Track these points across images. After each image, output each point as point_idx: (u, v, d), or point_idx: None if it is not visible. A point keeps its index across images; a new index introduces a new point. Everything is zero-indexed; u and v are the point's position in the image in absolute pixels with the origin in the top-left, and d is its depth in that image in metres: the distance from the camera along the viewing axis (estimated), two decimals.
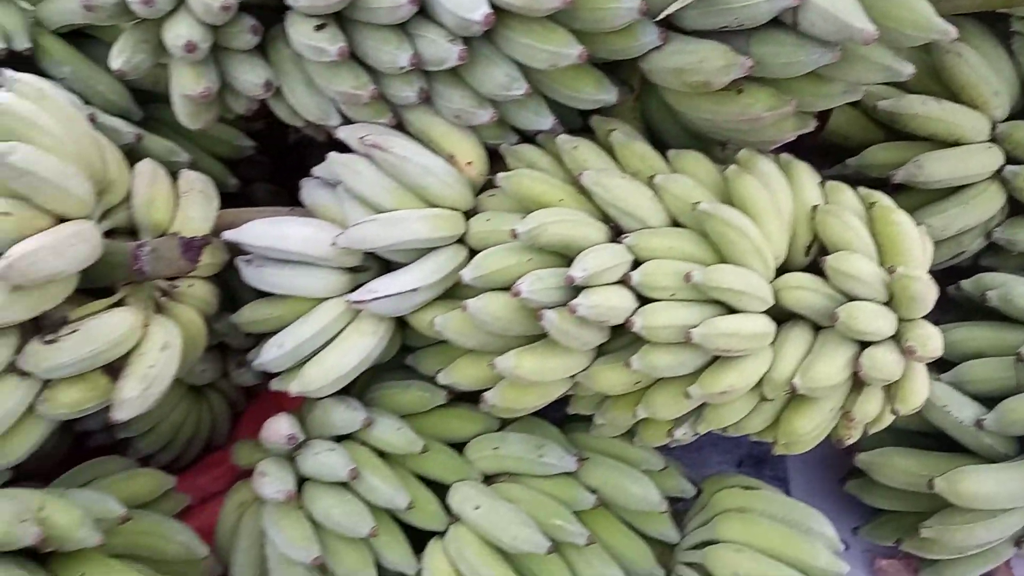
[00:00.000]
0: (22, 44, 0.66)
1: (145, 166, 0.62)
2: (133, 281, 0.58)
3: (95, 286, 0.57)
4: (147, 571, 0.56)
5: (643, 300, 0.54)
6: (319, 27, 0.56)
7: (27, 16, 0.68)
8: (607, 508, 0.62)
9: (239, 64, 0.60)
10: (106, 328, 0.53)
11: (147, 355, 0.55)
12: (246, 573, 0.62)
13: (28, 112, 0.53)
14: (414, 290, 0.57)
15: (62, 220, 0.53)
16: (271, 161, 0.86)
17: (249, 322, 0.63)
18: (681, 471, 0.66)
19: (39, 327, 0.54)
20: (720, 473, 0.69)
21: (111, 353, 0.54)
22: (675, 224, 0.57)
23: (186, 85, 0.59)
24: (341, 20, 0.57)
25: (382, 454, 0.62)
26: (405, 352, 0.66)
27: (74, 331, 0.53)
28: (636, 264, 0.54)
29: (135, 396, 0.54)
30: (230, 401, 0.76)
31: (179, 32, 0.57)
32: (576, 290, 0.53)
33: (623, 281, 0.54)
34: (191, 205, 0.61)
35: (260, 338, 0.65)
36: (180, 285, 0.61)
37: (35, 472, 0.66)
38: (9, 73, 0.57)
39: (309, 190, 0.64)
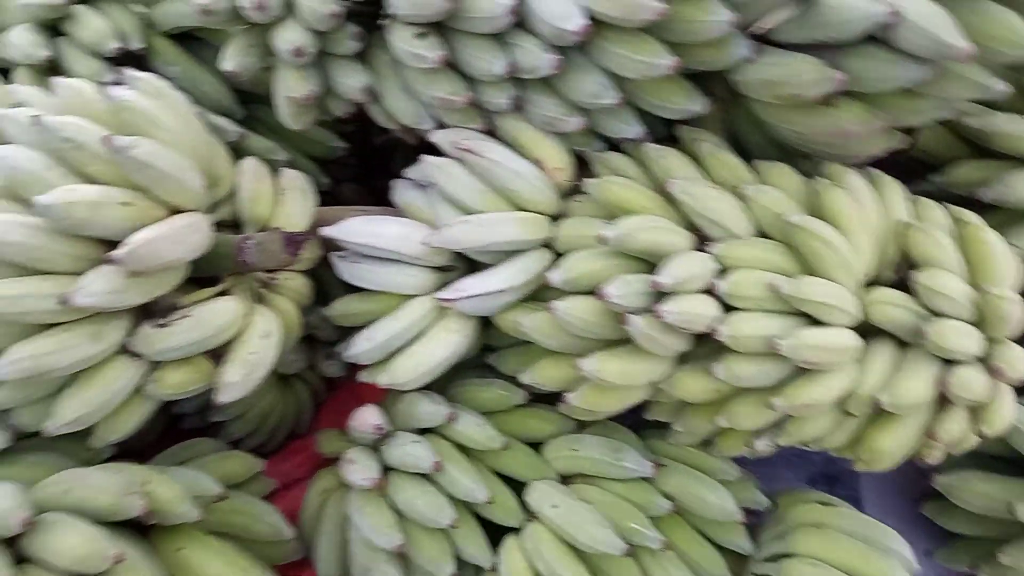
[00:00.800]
0: (137, 44, 0.70)
1: (249, 163, 0.65)
2: (237, 272, 0.61)
3: (200, 275, 0.61)
4: (239, 548, 0.58)
5: (728, 309, 0.55)
6: (420, 35, 0.58)
7: (141, 18, 0.73)
8: (682, 515, 0.62)
9: (341, 69, 0.63)
10: (214, 315, 0.56)
11: (249, 342, 0.58)
12: (329, 556, 0.65)
13: (149, 109, 0.57)
14: (501, 291, 0.59)
15: (176, 212, 0.57)
16: (357, 162, 0.89)
17: (341, 315, 0.65)
18: (755, 483, 0.66)
19: (149, 312, 0.57)
20: (796, 488, 0.68)
21: (217, 339, 0.57)
22: (762, 235, 0.57)
23: (292, 88, 0.62)
24: (441, 28, 0.59)
25: (463, 449, 0.64)
26: (484, 352, 0.68)
27: (184, 317, 0.56)
28: (722, 273, 0.55)
29: (237, 380, 0.57)
30: (313, 391, 0.79)
31: (288, 37, 0.60)
32: (661, 296, 0.54)
33: (709, 289, 0.55)
34: (291, 202, 0.64)
35: (346, 331, 0.68)
36: (279, 278, 0.63)
37: (132, 450, 0.70)
38: (131, 72, 0.61)
39: (401, 191, 0.66)
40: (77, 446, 0.61)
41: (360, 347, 0.63)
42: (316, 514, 0.66)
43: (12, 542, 0.51)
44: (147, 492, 0.55)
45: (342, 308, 0.65)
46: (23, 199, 0.54)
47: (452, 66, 0.60)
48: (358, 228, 0.63)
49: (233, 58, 0.64)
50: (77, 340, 0.54)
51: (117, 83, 0.60)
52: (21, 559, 0.51)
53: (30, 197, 0.53)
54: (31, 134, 0.56)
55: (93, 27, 0.70)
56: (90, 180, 0.55)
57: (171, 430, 0.74)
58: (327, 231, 0.63)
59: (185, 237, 0.55)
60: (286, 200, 0.64)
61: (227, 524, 0.60)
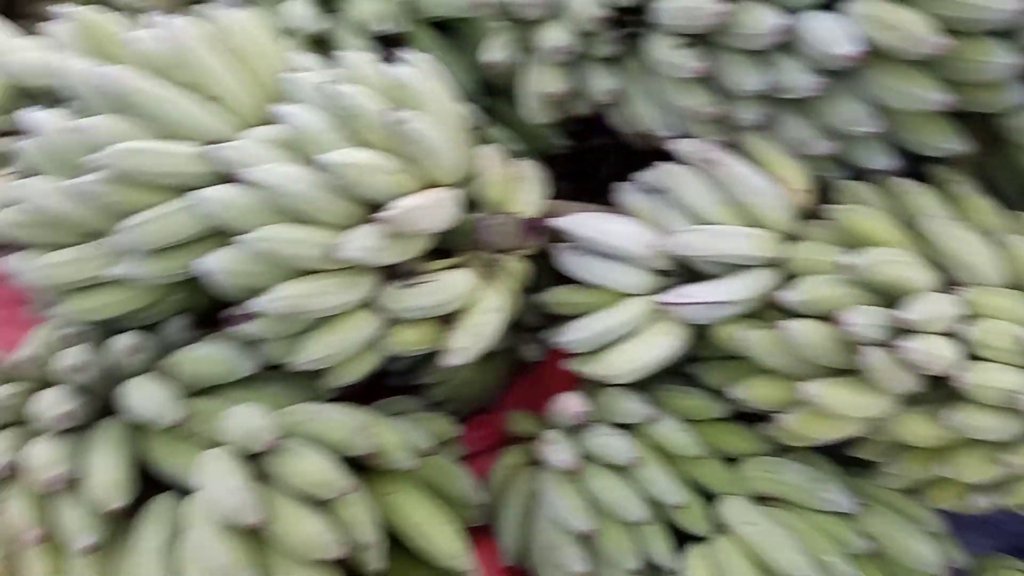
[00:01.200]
0: (403, 28, 0.76)
1: (490, 150, 0.69)
2: (470, 249, 0.65)
3: (436, 247, 0.65)
4: (440, 502, 0.62)
5: (969, 356, 0.53)
6: (682, 45, 0.60)
7: (406, 3, 0.78)
8: (878, 559, 0.60)
9: (594, 71, 0.65)
10: (453, 284, 0.61)
11: (479, 314, 0.61)
12: (512, 528, 0.68)
13: (423, 87, 0.62)
14: (727, 302, 0.59)
15: (431, 185, 0.61)
16: (570, 161, 0.92)
17: (556, 303, 0.68)
18: (955, 541, 0.63)
19: (394, 273, 0.62)
20: (998, 554, 0.65)
21: (451, 306, 0.61)
22: (1015, 287, 0.55)
23: (549, 84, 0.65)
24: (702, 40, 0.60)
25: (659, 450, 0.64)
26: (682, 361, 0.69)
27: (427, 282, 0.60)
28: (969, 319, 0.53)
29: (464, 347, 0.61)
30: (507, 371, 0.82)
31: (554, 36, 0.63)
32: (897, 332, 0.53)
33: (950, 333, 0.53)
34: (526, 190, 0.67)
35: (551, 319, 0.70)
36: (504, 259, 0.67)
37: (343, 397, 0.76)
38: (405, 53, 0.67)
39: (627, 193, 0.68)
40: (306, 384, 0.66)
41: (574, 335, 0.65)
42: (502, 487, 0.70)
43: (255, 458, 0.58)
44: (372, 434, 0.59)
45: (557, 297, 0.68)
46: (303, 154, 0.60)
47: (706, 78, 0.61)
48: (587, 222, 0.65)
49: (495, 50, 0.68)
50: (333, 288, 0.59)
51: (390, 61, 0.66)
52: (261, 475, 0.57)
53: (311, 154, 0.59)
54: (316, 98, 0.62)
55: (364, 7, 0.76)
56: (364, 146, 0.60)
57: (374, 385, 0.80)
58: (557, 222, 0.66)
59: (440, 209, 0.60)
60: (521, 188, 0.68)
61: (426, 479, 0.64)
